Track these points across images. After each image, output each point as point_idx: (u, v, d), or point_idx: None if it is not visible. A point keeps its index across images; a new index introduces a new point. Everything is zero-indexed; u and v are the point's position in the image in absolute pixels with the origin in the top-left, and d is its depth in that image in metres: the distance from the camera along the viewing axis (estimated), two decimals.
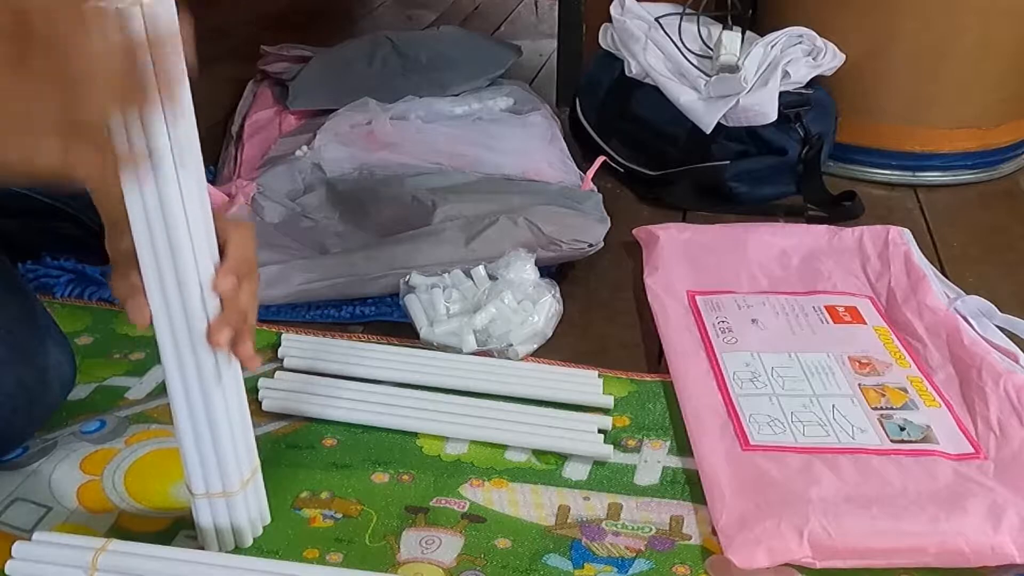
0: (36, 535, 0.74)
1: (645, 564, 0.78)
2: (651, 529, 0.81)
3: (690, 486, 0.86)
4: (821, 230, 1.25)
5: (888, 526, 0.78)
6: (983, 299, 1.08)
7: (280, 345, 1.04)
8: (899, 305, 1.10)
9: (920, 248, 1.20)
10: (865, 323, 1.07)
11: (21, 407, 0.84)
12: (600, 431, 0.92)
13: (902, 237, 1.21)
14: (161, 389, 0.98)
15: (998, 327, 1.05)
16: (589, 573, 0.77)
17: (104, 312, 1.11)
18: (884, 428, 0.91)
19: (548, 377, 0.99)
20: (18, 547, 0.72)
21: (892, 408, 0.94)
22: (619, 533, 0.80)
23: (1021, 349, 1.00)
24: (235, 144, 1.46)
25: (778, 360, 1.00)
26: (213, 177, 1.40)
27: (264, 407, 0.93)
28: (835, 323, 1.07)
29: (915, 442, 0.89)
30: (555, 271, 1.17)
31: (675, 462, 0.89)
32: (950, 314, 1.06)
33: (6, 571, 0.72)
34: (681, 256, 1.18)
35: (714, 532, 0.80)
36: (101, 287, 1.14)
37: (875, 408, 0.94)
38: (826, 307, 1.10)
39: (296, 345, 1.03)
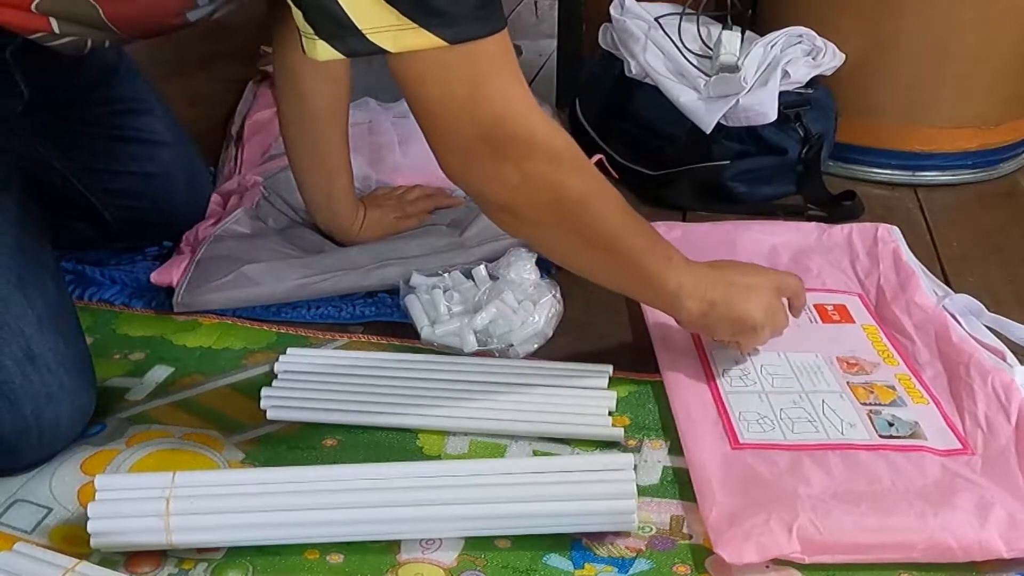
0: (17, 546, 0.76)
1: (645, 564, 0.78)
2: (651, 529, 0.81)
3: (690, 486, 0.86)
4: (810, 227, 1.25)
5: (876, 522, 0.78)
6: (971, 297, 1.09)
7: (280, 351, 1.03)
8: (888, 302, 1.10)
9: (920, 248, 1.20)
10: (854, 322, 1.08)
11: (47, 437, 0.87)
12: (609, 413, 0.93)
13: (891, 235, 1.21)
14: (161, 389, 0.98)
15: (986, 326, 1.06)
16: (589, 573, 0.77)
17: (104, 312, 1.11)
18: (873, 423, 0.91)
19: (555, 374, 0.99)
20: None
21: (880, 405, 0.94)
22: (619, 533, 0.80)
23: (1008, 348, 1.01)
24: (235, 144, 1.46)
25: (767, 359, 1.01)
26: (213, 177, 1.40)
27: (269, 416, 0.93)
28: (824, 322, 1.07)
29: (904, 438, 0.89)
30: (555, 271, 1.17)
31: (675, 462, 0.89)
32: (939, 311, 1.06)
33: None
34: None
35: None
36: (101, 287, 1.14)
37: (864, 404, 0.94)
38: (815, 306, 1.10)
39: (295, 359, 1.02)
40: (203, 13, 0.96)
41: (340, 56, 0.72)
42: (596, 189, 0.84)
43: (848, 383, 0.97)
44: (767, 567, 0.77)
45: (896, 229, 1.23)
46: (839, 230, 1.24)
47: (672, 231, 1.24)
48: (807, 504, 0.79)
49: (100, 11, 0.91)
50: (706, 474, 0.85)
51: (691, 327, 0.95)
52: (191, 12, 0.96)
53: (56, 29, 0.92)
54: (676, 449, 0.90)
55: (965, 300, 1.09)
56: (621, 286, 0.93)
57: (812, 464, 0.85)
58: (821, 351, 1.02)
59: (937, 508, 0.79)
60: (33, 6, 0.90)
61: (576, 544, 0.79)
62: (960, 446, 0.89)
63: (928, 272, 1.16)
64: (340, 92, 1.14)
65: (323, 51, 0.72)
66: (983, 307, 1.08)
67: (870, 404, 0.94)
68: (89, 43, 0.96)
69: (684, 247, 1.18)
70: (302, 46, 0.74)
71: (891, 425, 0.91)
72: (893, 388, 0.96)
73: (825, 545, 0.77)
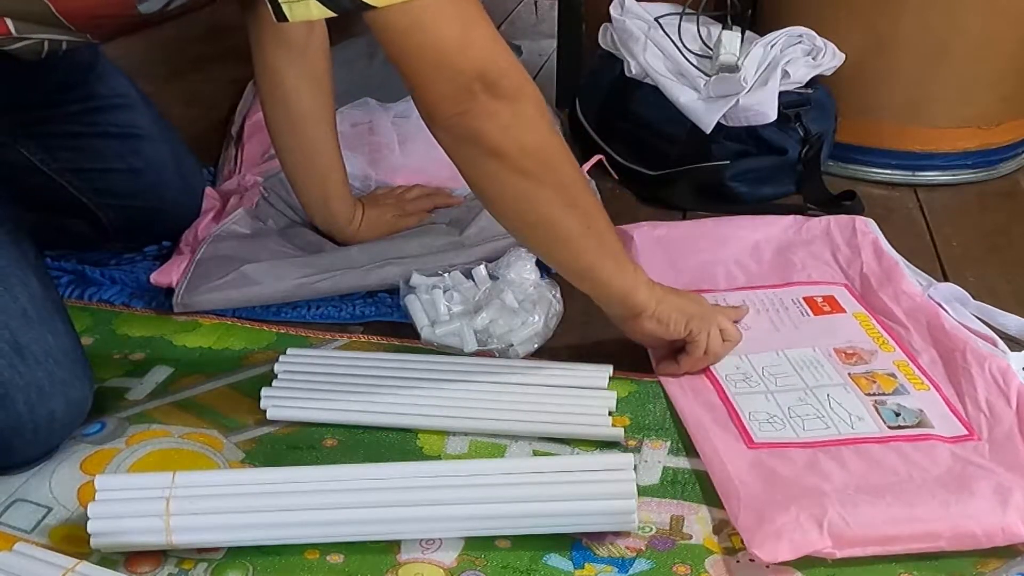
0: (18, 547, 0.76)
1: (645, 564, 0.78)
2: (651, 529, 0.81)
3: (690, 486, 0.86)
4: (788, 221, 1.26)
5: (902, 513, 0.79)
6: (956, 286, 1.10)
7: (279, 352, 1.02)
8: (875, 290, 1.11)
9: (920, 248, 1.20)
10: (844, 311, 1.08)
11: (42, 432, 0.86)
12: (609, 413, 0.93)
13: (867, 226, 1.22)
14: (161, 389, 0.98)
15: (973, 315, 1.07)
16: (590, 573, 0.77)
17: (104, 313, 1.11)
18: (880, 414, 0.92)
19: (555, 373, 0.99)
20: None
21: (884, 394, 0.95)
22: (619, 533, 0.80)
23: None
24: (235, 144, 1.46)
25: (767, 360, 1.01)
26: (213, 177, 1.40)
27: (269, 416, 0.93)
28: (816, 315, 1.08)
29: (911, 427, 0.90)
30: (555, 270, 1.17)
31: (675, 462, 0.89)
32: (927, 300, 1.07)
33: None
34: (659, 255, 1.18)
35: (715, 532, 0.81)
36: (101, 288, 1.14)
37: (868, 395, 0.94)
38: (805, 299, 1.10)
39: (295, 359, 1.01)
40: (155, 6, 0.95)
41: (330, 14, 0.77)
42: (566, 146, 0.88)
43: (849, 374, 0.98)
44: (767, 567, 0.77)
45: (872, 221, 1.24)
46: (817, 222, 1.25)
47: (656, 230, 1.24)
48: (834, 498, 0.80)
49: (51, 7, 0.90)
50: (728, 475, 0.85)
51: (645, 320, 0.94)
52: (142, 4, 0.94)
53: (13, 30, 0.92)
54: (676, 449, 0.90)
55: (950, 288, 1.10)
56: (591, 262, 0.91)
57: (828, 460, 0.86)
58: (818, 344, 1.02)
59: (959, 496, 0.80)
60: None
61: (576, 544, 0.79)
62: (966, 432, 0.89)
63: (909, 263, 1.16)
64: (323, 90, 1.14)
65: (316, 10, 0.76)
66: (968, 295, 1.09)
67: (874, 394, 0.94)
68: (46, 47, 0.95)
69: (668, 247, 1.20)
70: (281, 15, 0.77)
71: (897, 415, 0.92)
72: (893, 376, 0.97)
73: (855, 538, 0.77)
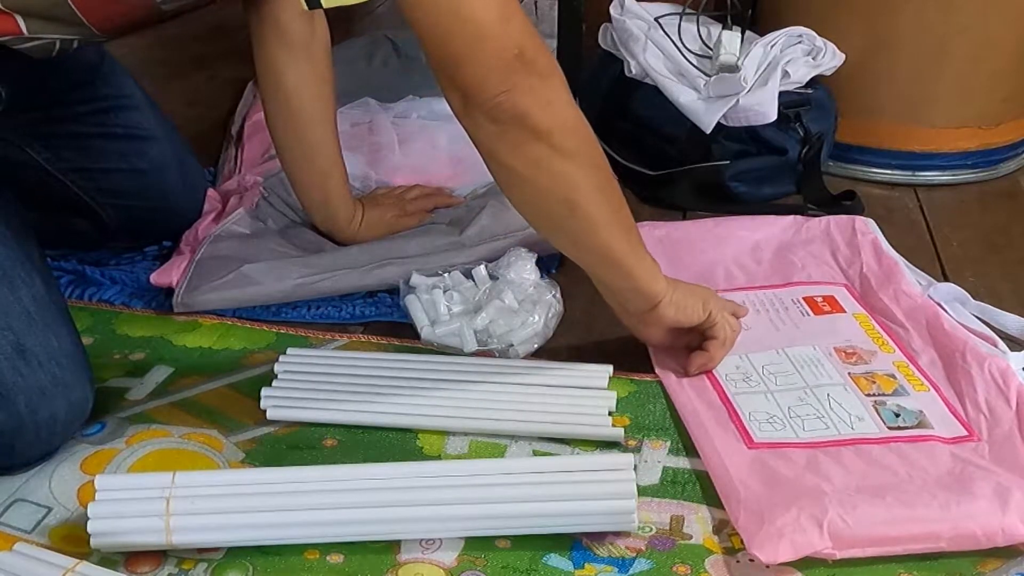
0: (18, 547, 0.76)
1: (645, 564, 0.78)
2: (651, 529, 0.81)
3: (690, 486, 0.86)
4: (788, 221, 1.26)
5: (903, 513, 0.79)
6: (956, 286, 1.10)
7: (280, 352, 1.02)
8: (875, 291, 1.11)
9: (920, 248, 1.20)
10: (844, 311, 1.08)
11: (43, 434, 0.86)
12: (609, 413, 0.93)
13: (867, 226, 1.23)
14: (161, 389, 0.98)
15: (973, 315, 1.07)
16: (589, 573, 0.77)
17: (104, 313, 1.11)
18: (880, 415, 0.92)
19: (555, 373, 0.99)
20: None
21: (884, 395, 0.95)
22: (619, 533, 0.80)
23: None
24: (235, 144, 1.46)
25: (767, 358, 1.01)
26: (213, 177, 1.40)
27: (269, 416, 0.93)
28: (816, 315, 1.08)
29: (911, 428, 0.90)
30: (555, 270, 1.17)
31: (675, 462, 0.89)
32: (927, 300, 1.08)
33: None
34: (659, 255, 1.16)
35: (715, 532, 0.81)
36: (101, 288, 1.14)
37: (868, 395, 0.95)
38: (804, 299, 1.11)
39: (295, 359, 1.01)
40: (175, 4, 0.95)
41: None
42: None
43: (849, 373, 0.98)
44: (767, 567, 0.77)
45: (872, 221, 1.24)
46: (816, 222, 1.25)
47: (656, 230, 1.24)
48: (833, 499, 0.80)
49: (70, 2, 0.90)
50: (728, 476, 0.85)
51: (663, 308, 0.93)
52: (164, 2, 0.95)
53: (24, 30, 0.91)
54: (676, 449, 0.90)
55: (950, 288, 1.10)
56: (620, 249, 0.90)
57: (828, 461, 0.86)
58: (818, 343, 1.03)
59: (959, 497, 0.80)
60: (1, 3, 0.89)
61: (576, 544, 0.79)
62: (966, 432, 0.90)
63: (909, 263, 1.16)
64: (325, 90, 1.14)
65: None
66: (968, 295, 1.09)
67: (874, 395, 0.95)
68: (58, 45, 0.95)
69: (669, 247, 1.20)
70: (314, 1, 0.76)
71: (897, 416, 0.92)
72: (893, 376, 0.97)
73: (855, 539, 0.77)
